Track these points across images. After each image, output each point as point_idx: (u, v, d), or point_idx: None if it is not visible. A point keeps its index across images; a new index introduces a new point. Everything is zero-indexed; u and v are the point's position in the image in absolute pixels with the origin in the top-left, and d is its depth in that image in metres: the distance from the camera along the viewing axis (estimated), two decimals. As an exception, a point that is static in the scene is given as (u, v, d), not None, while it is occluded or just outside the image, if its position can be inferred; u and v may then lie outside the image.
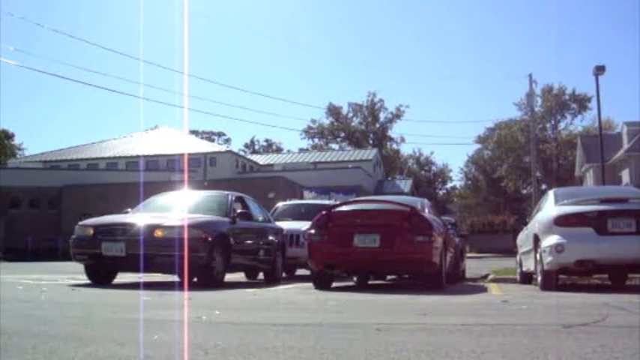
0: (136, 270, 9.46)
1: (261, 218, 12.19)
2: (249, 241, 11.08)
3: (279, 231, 12.52)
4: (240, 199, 11.59)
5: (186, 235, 8.84)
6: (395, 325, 4.46)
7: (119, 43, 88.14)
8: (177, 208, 10.42)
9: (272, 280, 11.64)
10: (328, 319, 4.86)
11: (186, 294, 7.12)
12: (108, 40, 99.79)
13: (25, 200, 44.16)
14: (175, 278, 9.14)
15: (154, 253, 8.82)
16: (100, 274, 9.60)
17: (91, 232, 9.37)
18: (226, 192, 12.01)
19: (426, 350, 3.16)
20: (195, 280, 9.24)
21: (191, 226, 9.11)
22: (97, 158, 53.46)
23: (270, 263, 11.77)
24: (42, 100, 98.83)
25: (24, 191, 43.38)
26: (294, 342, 3.47)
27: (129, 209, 10.80)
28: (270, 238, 11.97)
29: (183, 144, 52.50)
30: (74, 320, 4.57)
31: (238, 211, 10.77)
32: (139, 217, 9.74)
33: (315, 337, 3.69)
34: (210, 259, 9.20)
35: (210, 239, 9.31)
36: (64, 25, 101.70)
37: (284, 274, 14.44)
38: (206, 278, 9.19)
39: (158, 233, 9.01)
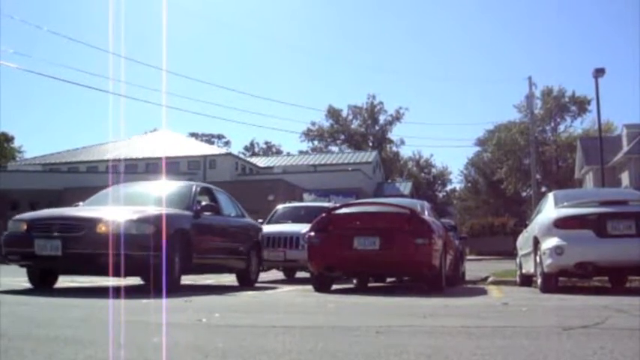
0: (75, 272, 8.81)
1: (233, 213, 10.98)
2: (216, 239, 9.89)
3: (255, 228, 11.45)
4: (207, 191, 10.53)
5: (135, 232, 7.87)
6: (395, 327, 4.46)
7: (117, 46, 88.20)
8: (133, 201, 9.21)
9: (246, 284, 10.48)
10: (328, 322, 4.86)
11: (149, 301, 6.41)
12: (107, 43, 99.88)
13: (25, 203, 44.12)
14: (124, 281, 8.49)
15: (96, 252, 7.69)
16: (42, 278, 8.63)
17: (24, 227, 8.21)
18: (191, 182, 11.05)
19: (426, 353, 3.16)
20: (143, 282, 8.55)
21: (141, 221, 8.08)
22: (97, 161, 53.39)
23: (244, 264, 10.60)
24: (42, 103, 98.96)
25: (24, 194, 43.36)
26: (294, 344, 3.47)
27: (80, 202, 9.66)
28: (243, 235, 10.79)
29: (183, 146, 52.63)
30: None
31: (203, 203, 9.71)
32: (83, 211, 8.70)
33: (315, 340, 3.69)
34: (163, 259, 7.76)
35: (164, 236, 7.96)
36: (63, 28, 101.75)
37: (285, 277, 14.48)
38: (160, 280, 7.51)
39: (102, 229, 7.83)
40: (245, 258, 10.65)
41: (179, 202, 9.36)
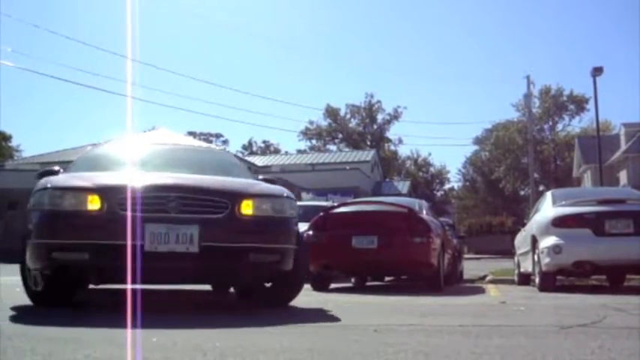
0: (208, 279, 6.34)
1: None
2: None
3: None
4: None
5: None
6: (393, 326, 4.46)
7: (116, 44, 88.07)
8: (184, 167, 6.37)
9: None
10: (326, 321, 4.86)
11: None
12: (105, 41, 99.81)
13: (23, 202, 44.02)
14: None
15: (247, 246, 5.23)
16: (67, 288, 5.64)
17: (97, 201, 5.03)
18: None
19: (425, 351, 3.16)
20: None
21: (290, 198, 5.81)
22: (94, 160, 53.27)
23: None
24: (40, 102, 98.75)
25: (22, 193, 43.10)
26: (292, 344, 3.47)
27: (57, 167, 6.39)
28: None
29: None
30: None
31: None
32: (205, 180, 5.72)
33: (313, 339, 3.70)
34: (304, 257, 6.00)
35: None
36: (61, 27, 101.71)
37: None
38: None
39: (247, 209, 5.35)
40: None
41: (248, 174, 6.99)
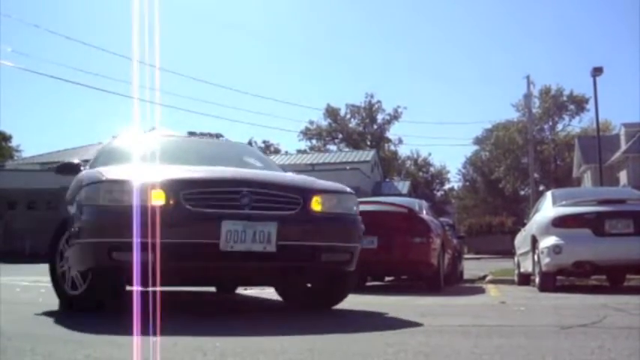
0: (283, 279, 5.66)
1: None
2: None
3: None
4: None
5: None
6: (393, 326, 4.46)
7: (116, 44, 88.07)
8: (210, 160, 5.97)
9: None
10: (325, 321, 4.86)
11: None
12: (103, 41, 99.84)
13: (23, 202, 44.10)
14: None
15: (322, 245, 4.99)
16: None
17: (169, 195, 4.55)
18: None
19: (425, 351, 3.16)
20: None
21: (350, 194, 5.62)
22: (94, 160, 53.32)
23: None
24: (40, 102, 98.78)
25: (22, 193, 43.33)
26: (292, 343, 3.47)
27: (77, 160, 6.31)
28: None
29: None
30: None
31: None
32: (268, 175, 5.63)
33: (313, 339, 3.70)
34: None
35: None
36: (61, 27, 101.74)
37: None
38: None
39: (317, 205, 5.05)
40: None
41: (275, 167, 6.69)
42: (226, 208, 4.61)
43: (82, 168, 5.81)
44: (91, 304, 4.94)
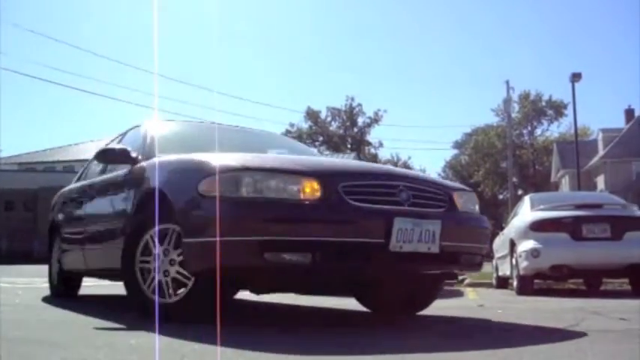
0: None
1: None
2: None
3: None
4: None
5: None
6: (368, 330, 4.45)
7: (97, 44, 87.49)
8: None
9: None
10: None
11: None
12: (85, 41, 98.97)
13: (0, 202, 43.65)
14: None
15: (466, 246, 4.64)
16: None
17: (320, 189, 3.95)
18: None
19: (401, 352, 3.15)
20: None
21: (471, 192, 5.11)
22: (73, 160, 52.88)
23: None
24: (17, 102, 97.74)
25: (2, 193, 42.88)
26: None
27: (118, 145, 5.61)
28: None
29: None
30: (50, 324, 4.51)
31: None
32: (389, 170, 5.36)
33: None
34: None
35: None
36: (41, 26, 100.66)
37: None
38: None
39: (457, 204, 4.64)
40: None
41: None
42: (391, 204, 4.12)
43: (133, 155, 5.08)
44: (186, 316, 4.06)
